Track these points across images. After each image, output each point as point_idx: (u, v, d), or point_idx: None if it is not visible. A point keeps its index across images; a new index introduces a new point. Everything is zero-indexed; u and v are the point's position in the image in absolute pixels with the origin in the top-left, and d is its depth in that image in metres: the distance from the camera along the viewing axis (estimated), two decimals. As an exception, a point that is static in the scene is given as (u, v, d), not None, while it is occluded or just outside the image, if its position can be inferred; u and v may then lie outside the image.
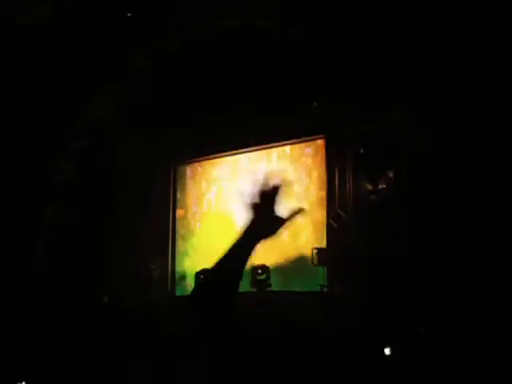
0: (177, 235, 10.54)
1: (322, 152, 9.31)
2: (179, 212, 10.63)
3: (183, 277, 10.37)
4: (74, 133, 9.74)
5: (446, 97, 7.77)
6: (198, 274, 9.45)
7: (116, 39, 8.93)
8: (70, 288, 9.38)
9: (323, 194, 9.19)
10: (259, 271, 8.87)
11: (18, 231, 9.33)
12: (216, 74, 9.50)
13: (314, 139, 9.49)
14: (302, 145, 9.68)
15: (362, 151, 8.53)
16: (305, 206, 9.46)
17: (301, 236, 9.37)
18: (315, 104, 9.12)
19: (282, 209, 2.91)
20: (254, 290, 8.79)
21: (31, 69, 8.93)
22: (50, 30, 8.47)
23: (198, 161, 10.71)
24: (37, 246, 9.58)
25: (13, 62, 8.77)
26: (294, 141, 9.79)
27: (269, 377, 7.12)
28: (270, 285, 8.86)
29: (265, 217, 2.76)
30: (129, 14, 8.90)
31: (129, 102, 9.72)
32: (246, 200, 2.87)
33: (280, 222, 2.81)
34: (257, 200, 2.76)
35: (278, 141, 9.87)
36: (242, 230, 2.80)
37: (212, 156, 10.53)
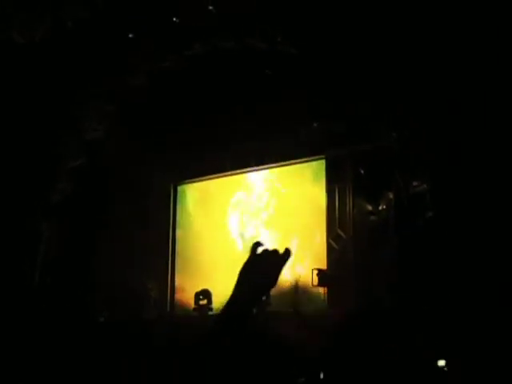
0: (176, 255, 10.52)
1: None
2: (179, 232, 10.62)
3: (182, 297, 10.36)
4: (71, 150, 9.76)
5: (445, 117, 7.81)
6: (197, 294, 9.46)
7: (113, 58, 8.99)
8: (67, 306, 9.35)
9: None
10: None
11: (15, 248, 9.34)
12: (214, 94, 9.55)
13: (314, 160, 9.50)
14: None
15: (362, 172, 8.55)
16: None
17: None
18: (315, 125, 9.15)
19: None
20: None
21: (28, 88, 8.97)
22: (48, 50, 8.52)
23: (197, 180, 10.71)
24: (34, 263, 9.57)
25: (10, 81, 8.81)
26: (294, 161, 9.82)
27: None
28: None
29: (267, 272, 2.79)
30: (130, 35, 8.96)
31: (127, 120, 9.77)
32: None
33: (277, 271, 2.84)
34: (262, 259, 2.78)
35: (278, 161, 9.89)
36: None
37: (211, 176, 10.53)
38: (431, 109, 7.88)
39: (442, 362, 6.40)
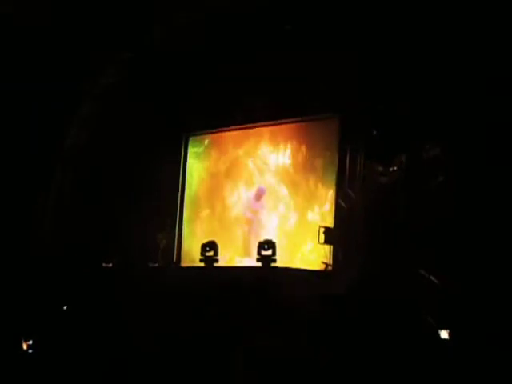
0: (184, 207, 10.60)
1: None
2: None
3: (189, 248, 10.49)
4: (85, 99, 9.77)
5: (459, 82, 7.78)
6: (204, 245, 9.54)
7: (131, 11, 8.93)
8: (79, 252, 9.49)
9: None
10: (265, 246, 8.88)
11: (25, 192, 9.43)
12: (228, 47, 9.49)
13: (327, 118, 9.45)
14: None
15: (375, 133, 8.50)
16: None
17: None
18: (329, 84, 9.06)
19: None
20: (259, 264, 8.86)
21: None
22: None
23: (208, 133, 10.69)
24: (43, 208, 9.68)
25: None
26: (306, 118, 9.77)
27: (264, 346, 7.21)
28: (274, 260, 8.90)
29: None
30: None
31: (140, 71, 9.74)
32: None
33: None
34: None
35: (291, 117, 9.84)
36: None
37: (222, 129, 10.51)
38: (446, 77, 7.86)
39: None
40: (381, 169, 8.43)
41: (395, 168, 8.28)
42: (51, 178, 9.82)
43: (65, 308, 8.94)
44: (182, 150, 10.63)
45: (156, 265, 9.88)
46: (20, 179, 9.44)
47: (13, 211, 9.48)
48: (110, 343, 8.42)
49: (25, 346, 8.62)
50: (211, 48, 9.57)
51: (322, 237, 8.79)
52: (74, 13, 8.95)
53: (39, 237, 9.66)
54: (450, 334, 6.71)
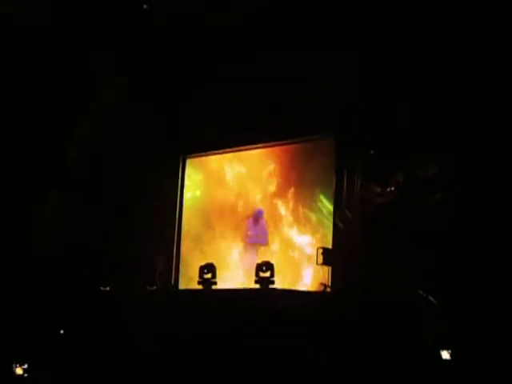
0: (182, 229, 10.57)
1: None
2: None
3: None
4: (82, 118, 9.80)
5: (455, 97, 7.79)
6: (202, 268, 9.50)
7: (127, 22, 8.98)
8: (73, 273, 9.46)
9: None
10: (263, 268, 8.85)
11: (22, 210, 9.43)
12: (225, 67, 9.52)
13: (324, 138, 9.46)
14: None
15: (372, 153, 8.50)
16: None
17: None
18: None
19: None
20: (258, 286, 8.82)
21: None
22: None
23: (207, 154, 10.70)
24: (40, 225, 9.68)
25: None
26: (303, 139, 9.78)
27: (266, 371, 7.16)
28: (273, 282, 8.85)
29: None
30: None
31: (137, 90, 9.78)
32: None
33: None
34: None
35: (287, 139, 9.85)
36: None
37: (220, 151, 10.52)
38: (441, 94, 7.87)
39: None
40: (378, 189, 8.42)
41: (392, 188, 8.28)
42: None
43: (61, 332, 8.89)
44: (180, 172, 10.61)
45: (154, 288, 9.85)
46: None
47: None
48: (107, 366, 8.38)
49: (20, 371, 8.57)
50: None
51: (321, 258, 8.78)
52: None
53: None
54: (449, 353, 6.69)
